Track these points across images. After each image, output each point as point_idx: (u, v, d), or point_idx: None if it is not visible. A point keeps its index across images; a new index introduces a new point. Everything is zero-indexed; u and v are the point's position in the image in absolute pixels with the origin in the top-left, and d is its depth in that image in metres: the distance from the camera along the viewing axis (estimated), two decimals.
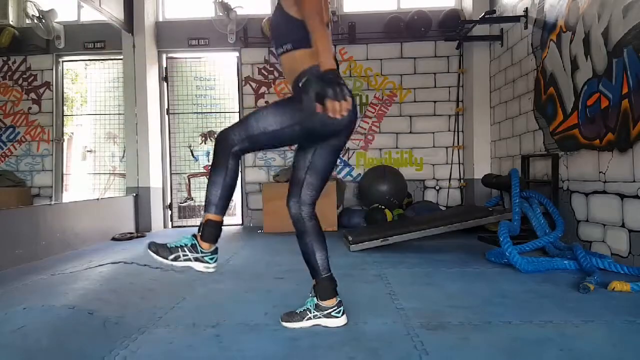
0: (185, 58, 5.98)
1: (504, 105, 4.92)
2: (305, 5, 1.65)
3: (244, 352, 1.69)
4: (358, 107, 5.76)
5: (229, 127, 1.77)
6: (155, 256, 1.75)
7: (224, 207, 1.77)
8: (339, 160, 5.73)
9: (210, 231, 1.76)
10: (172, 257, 1.74)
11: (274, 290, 2.57)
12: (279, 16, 1.83)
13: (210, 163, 1.79)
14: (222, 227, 1.80)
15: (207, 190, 1.77)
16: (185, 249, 1.75)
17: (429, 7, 5.62)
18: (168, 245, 1.77)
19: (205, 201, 1.77)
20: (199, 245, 1.76)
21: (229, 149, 1.73)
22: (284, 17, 1.79)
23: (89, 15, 5.76)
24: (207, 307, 2.28)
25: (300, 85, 1.76)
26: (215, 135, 1.78)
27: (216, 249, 1.80)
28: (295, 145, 1.98)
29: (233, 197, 1.87)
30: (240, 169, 1.79)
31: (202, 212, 1.78)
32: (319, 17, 1.64)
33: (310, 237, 1.93)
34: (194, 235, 1.78)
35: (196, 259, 1.76)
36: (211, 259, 1.78)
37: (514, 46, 4.62)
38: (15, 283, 2.80)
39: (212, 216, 1.76)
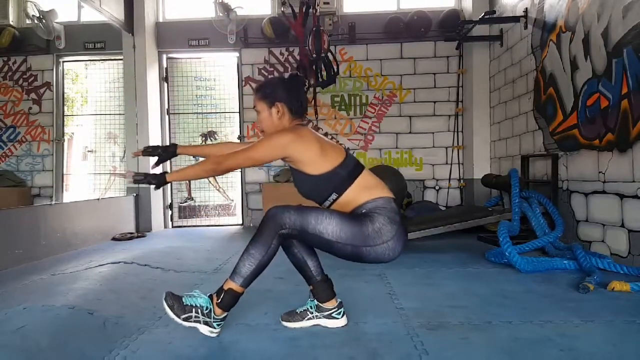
0: (186, 58, 5.98)
1: (503, 106, 4.92)
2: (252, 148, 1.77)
3: (244, 352, 1.69)
4: (359, 108, 5.77)
5: (285, 208, 1.74)
6: (168, 310, 1.76)
7: (250, 281, 1.77)
8: None
9: (229, 301, 1.77)
10: (184, 316, 1.75)
11: (274, 290, 2.57)
12: (301, 181, 1.83)
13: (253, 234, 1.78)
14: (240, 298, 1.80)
15: (241, 258, 1.75)
16: (199, 311, 1.76)
17: (428, 8, 5.62)
18: (184, 301, 1.76)
19: (235, 268, 1.76)
20: (213, 311, 1.77)
21: (278, 229, 1.71)
22: (309, 179, 1.79)
23: (89, 15, 5.77)
24: None
25: (363, 212, 1.75)
26: (268, 211, 1.76)
27: (226, 316, 1.81)
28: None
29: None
30: (277, 250, 1.77)
31: (228, 277, 1.77)
32: (243, 160, 1.78)
33: (296, 248, 1.92)
34: (211, 297, 1.78)
35: (205, 322, 1.77)
36: (218, 324, 1.79)
37: (513, 46, 4.62)
38: (15, 283, 2.80)
39: (235, 287, 1.75)
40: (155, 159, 2.17)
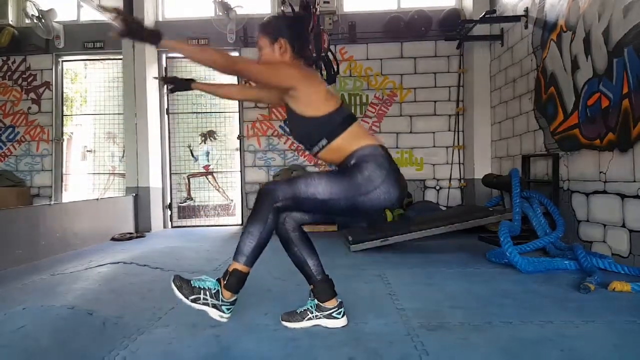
0: (185, 58, 5.96)
1: (504, 105, 4.91)
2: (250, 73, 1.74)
3: (244, 352, 1.69)
4: (359, 107, 5.76)
5: (276, 183, 1.77)
6: (176, 291, 1.75)
7: (254, 259, 1.77)
8: None
9: (236, 282, 1.75)
10: (192, 297, 1.74)
11: (274, 290, 2.56)
12: (296, 122, 1.84)
13: (249, 212, 1.78)
14: (247, 278, 1.79)
15: (241, 239, 1.76)
16: (207, 293, 1.74)
17: (429, 7, 5.62)
18: (192, 283, 1.76)
19: (237, 249, 1.76)
20: (221, 293, 1.75)
21: (272, 203, 1.73)
22: (302, 121, 1.80)
23: (89, 15, 5.77)
24: None
25: (350, 164, 1.77)
26: (260, 187, 1.78)
27: (235, 299, 1.79)
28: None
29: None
30: (275, 226, 1.79)
31: (232, 259, 1.77)
32: (233, 63, 1.71)
33: (297, 246, 1.92)
34: (219, 280, 1.77)
35: (214, 306, 1.75)
36: (228, 309, 1.77)
37: (514, 46, 4.62)
38: (15, 283, 2.79)
39: (240, 266, 1.75)
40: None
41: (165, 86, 2.30)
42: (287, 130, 1.70)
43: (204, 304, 1.74)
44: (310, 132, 1.82)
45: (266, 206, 1.73)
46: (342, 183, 1.73)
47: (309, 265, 1.92)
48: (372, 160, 1.75)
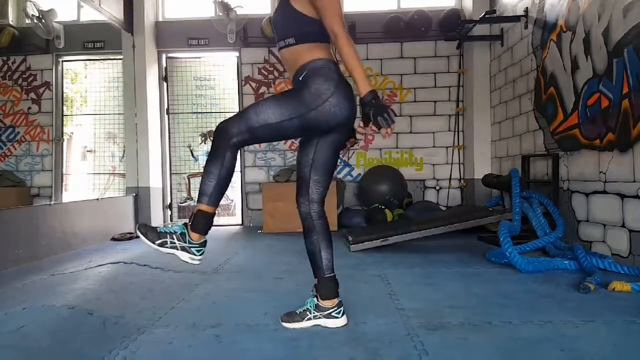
0: (185, 58, 5.98)
1: (504, 105, 4.91)
2: (327, 11, 1.69)
3: (244, 352, 1.69)
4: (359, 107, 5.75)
5: (228, 119, 1.76)
6: (142, 238, 1.74)
7: (217, 198, 1.75)
8: (339, 160, 5.73)
9: (201, 221, 1.74)
10: (159, 241, 1.73)
11: (274, 290, 2.56)
12: (283, 10, 1.84)
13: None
14: (214, 219, 1.79)
15: (201, 181, 1.75)
16: (174, 236, 1.74)
17: (429, 7, 5.62)
18: (158, 229, 1.76)
19: (199, 191, 1.76)
20: (188, 235, 1.74)
21: (228, 140, 1.72)
22: (289, 11, 1.80)
23: (89, 15, 5.76)
24: (207, 307, 2.28)
25: (300, 78, 1.78)
26: (215, 128, 1.77)
27: (205, 241, 1.78)
28: (297, 145, 1.97)
29: (228, 193, 1.87)
30: (236, 163, 1.78)
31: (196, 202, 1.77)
32: (343, 24, 1.69)
33: (317, 235, 1.93)
34: (185, 224, 1.77)
35: (182, 248, 1.74)
36: (198, 250, 1.76)
37: (514, 46, 4.62)
38: (15, 283, 2.79)
39: (204, 207, 1.74)
40: None
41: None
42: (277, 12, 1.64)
43: (171, 246, 1.74)
44: (287, 23, 1.82)
45: (222, 144, 1.72)
46: (290, 102, 1.74)
47: (322, 257, 1.92)
48: (319, 74, 1.75)
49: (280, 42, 1.85)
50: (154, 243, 1.73)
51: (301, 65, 1.79)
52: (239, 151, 1.99)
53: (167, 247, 1.74)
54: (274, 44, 1.90)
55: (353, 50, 1.70)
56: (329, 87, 1.74)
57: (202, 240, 1.77)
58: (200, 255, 1.77)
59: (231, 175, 1.77)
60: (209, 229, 1.78)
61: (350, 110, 1.79)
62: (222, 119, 1.81)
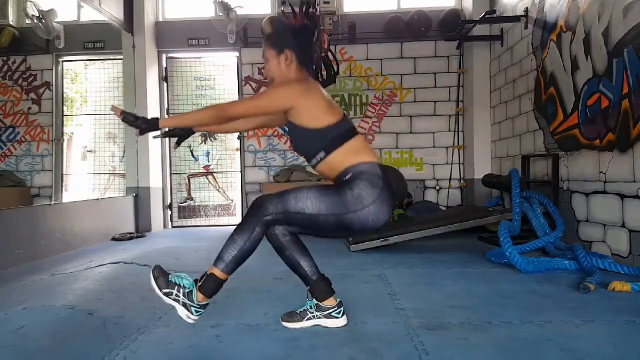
0: (185, 58, 5.98)
1: (504, 105, 4.91)
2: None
3: (244, 352, 1.69)
4: (359, 108, 5.77)
5: (269, 196, 1.77)
6: (152, 281, 1.76)
7: (233, 268, 1.77)
8: None
9: (211, 286, 1.76)
10: (165, 291, 1.74)
11: (274, 290, 2.56)
12: (293, 133, 1.85)
13: (238, 216, 1.81)
14: (223, 285, 1.79)
15: (224, 245, 1.76)
16: (181, 290, 1.74)
17: (429, 7, 5.62)
18: (169, 277, 1.76)
19: (218, 254, 1.76)
20: (195, 294, 1.75)
21: (262, 216, 1.73)
22: (302, 131, 1.80)
23: (89, 15, 5.76)
24: (207, 307, 2.27)
25: (344, 178, 1.76)
26: (254, 200, 1.79)
27: (207, 304, 1.79)
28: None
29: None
30: (262, 239, 1.78)
31: (212, 263, 1.77)
32: (232, 108, 1.78)
33: (288, 250, 1.91)
34: (195, 282, 1.77)
35: (184, 305, 1.74)
36: (197, 311, 1.76)
37: (514, 46, 4.62)
38: (15, 283, 2.79)
39: (218, 272, 1.75)
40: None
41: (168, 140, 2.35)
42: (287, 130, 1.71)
43: (174, 299, 1.74)
44: (309, 144, 1.82)
45: (255, 218, 1.73)
46: (331, 199, 1.72)
47: (303, 266, 1.91)
48: (366, 179, 1.73)
49: (312, 160, 1.84)
50: (160, 290, 1.75)
51: (345, 169, 1.77)
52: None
53: (170, 298, 1.75)
54: (310, 164, 1.91)
55: (210, 112, 1.80)
56: (372, 193, 1.72)
57: (204, 303, 1.78)
58: (197, 316, 1.78)
59: (253, 250, 1.77)
60: (216, 294, 1.79)
61: (385, 218, 1.78)
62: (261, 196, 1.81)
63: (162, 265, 1.84)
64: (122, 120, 1.89)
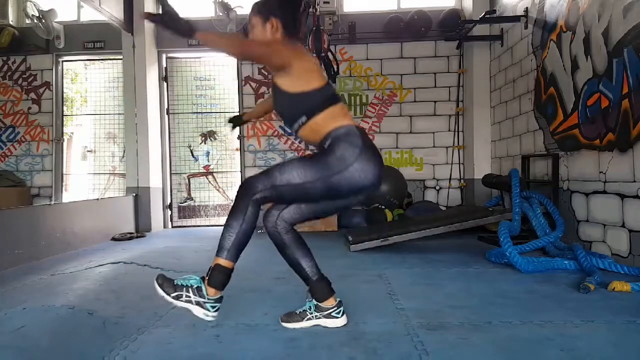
0: (185, 58, 5.98)
1: (504, 105, 4.91)
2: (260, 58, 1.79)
3: (244, 352, 1.69)
4: (359, 108, 5.77)
5: (255, 176, 1.78)
6: (158, 289, 1.74)
7: (236, 253, 1.76)
8: None
9: (219, 278, 1.74)
10: (174, 294, 1.73)
11: (273, 290, 2.56)
12: (278, 97, 1.86)
13: (230, 209, 1.79)
14: (232, 274, 1.78)
15: (222, 234, 1.75)
16: (190, 290, 1.73)
17: (429, 7, 5.62)
18: (175, 282, 1.75)
19: (219, 245, 1.75)
20: (205, 290, 1.74)
21: (251, 196, 1.73)
22: (286, 95, 1.81)
23: (89, 15, 5.77)
24: None
25: (325, 145, 1.78)
26: (241, 183, 1.79)
27: (221, 297, 1.77)
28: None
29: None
30: (258, 218, 1.78)
31: (215, 255, 1.77)
32: (253, 48, 1.78)
33: (290, 249, 1.91)
34: (202, 278, 1.76)
35: (197, 303, 1.73)
36: (213, 306, 1.74)
37: (514, 46, 4.62)
38: (15, 283, 2.80)
39: (222, 261, 1.74)
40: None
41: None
42: (288, 130, 1.69)
43: (186, 301, 1.72)
44: (292, 108, 1.83)
45: (245, 199, 1.73)
46: (315, 166, 1.74)
47: (303, 266, 1.91)
48: (345, 140, 1.75)
49: (295, 125, 1.85)
50: (169, 295, 1.73)
51: (325, 134, 1.79)
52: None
53: (181, 301, 1.73)
54: (292, 130, 1.91)
55: (232, 42, 1.74)
56: (353, 152, 1.73)
57: (218, 296, 1.76)
58: (214, 311, 1.75)
59: (252, 231, 1.77)
60: (226, 284, 1.77)
61: (375, 173, 1.76)
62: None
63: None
64: (148, 19, 1.72)
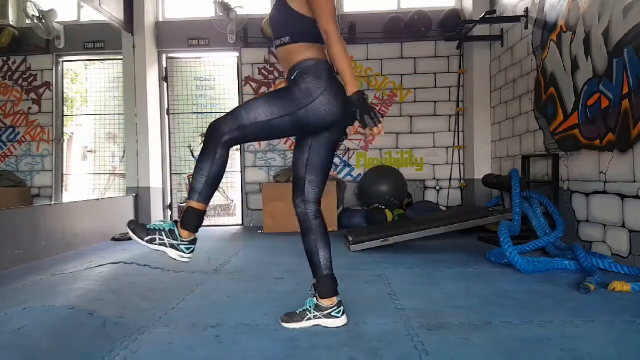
0: (185, 58, 5.98)
1: (504, 105, 4.91)
2: (321, 9, 1.70)
3: (244, 352, 1.69)
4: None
5: (220, 117, 1.78)
6: (131, 234, 1.74)
7: (207, 195, 1.75)
8: (339, 160, 5.74)
9: (191, 219, 1.74)
10: (147, 238, 1.72)
11: (274, 290, 2.56)
12: (279, 8, 1.85)
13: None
14: (204, 216, 1.78)
15: (192, 177, 1.76)
16: (163, 233, 1.73)
17: (429, 7, 5.62)
18: (147, 226, 1.75)
19: (189, 188, 1.76)
20: (178, 232, 1.74)
21: (219, 138, 1.73)
22: (285, 9, 1.81)
23: (89, 15, 5.76)
24: (207, 307, 2.28)
25: (292, 77, 1.79)
26: (208, 126, 1.78)
27: (194, 239, 1.78)
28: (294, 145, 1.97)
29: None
30: (228, 160, 1.79)
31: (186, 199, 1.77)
32: (335, 23, 1.71)
33: (314, 235, 1.93)
34: (175, 222, 1.77)
35: (171, 245, 1.73)
36: (187, 248, 1.75)
37: (514, 46, 4.62)
38: (15, 283, 2.79)
39: (194, 204, 1.74)
40: None
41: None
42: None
43: (160, 244, 1.72)
44: (285, 24, 1.83)
45: (213, 141, 1.73)
46: (280, 101, 1.74)
47: (320, 256, 1.92)
48: (311, 73, 1.75)
49: (277, 41, 1.86)
50: (142, 239, 1.72)
51: (294, 64, 1.80)
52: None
53: (155, 244, 1.73)
54: (274, 44, 1.91)
55: (343, 50, 1.70)
56: (319, 85, 1.74)
57: (191, 238, 1.77)
58: (189, 252, 1.77)
59: (222, 173, 1.77)
60: (199, 226, 1.77)
61: (340, 110, 1.77)
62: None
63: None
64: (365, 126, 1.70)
